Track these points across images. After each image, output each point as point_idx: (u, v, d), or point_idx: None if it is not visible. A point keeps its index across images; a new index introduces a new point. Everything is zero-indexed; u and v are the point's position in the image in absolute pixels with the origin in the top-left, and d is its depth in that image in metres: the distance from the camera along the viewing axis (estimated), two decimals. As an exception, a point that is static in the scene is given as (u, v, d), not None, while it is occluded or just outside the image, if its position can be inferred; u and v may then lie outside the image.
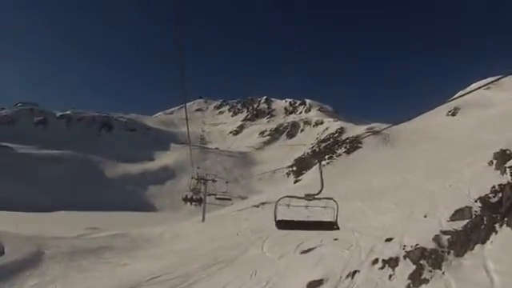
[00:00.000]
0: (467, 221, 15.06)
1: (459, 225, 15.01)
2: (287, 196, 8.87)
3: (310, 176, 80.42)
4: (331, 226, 9.63)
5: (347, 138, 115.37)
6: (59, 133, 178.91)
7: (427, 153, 55.15)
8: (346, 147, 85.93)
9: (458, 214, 16.21)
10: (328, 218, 9.48)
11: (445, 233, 14.77)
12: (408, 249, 14.81)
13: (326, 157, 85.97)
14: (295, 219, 9.68)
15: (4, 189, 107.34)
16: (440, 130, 77.51)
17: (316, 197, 8.65)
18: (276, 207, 9.04)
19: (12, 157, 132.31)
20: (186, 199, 59.94)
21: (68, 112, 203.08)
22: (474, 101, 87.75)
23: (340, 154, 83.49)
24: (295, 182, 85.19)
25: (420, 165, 43.73)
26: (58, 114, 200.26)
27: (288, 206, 9.02)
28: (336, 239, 20.86)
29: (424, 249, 14.06)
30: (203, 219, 56.79)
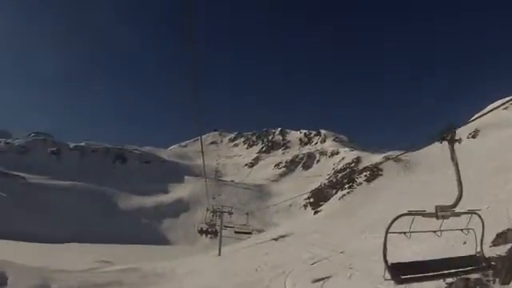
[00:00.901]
0: (511, 245, 13.58)
1: (502, 250, 13.51)
2: (408, 213, 5.61)
3: (332, 206, 78.45)
4: (477, 262, 6.10)
5: (365, 166, 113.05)
6: (72, 164, 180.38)
7: (452, 177, 53.35)
8: (366, 175, 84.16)
9: (500, 238, 14.71)
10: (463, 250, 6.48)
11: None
12: (449, 280, 13.14)
13: (346, 186, 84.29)
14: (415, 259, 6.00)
15: (15, 218, 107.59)
16: (462, 153, 75.47)
17: (455, 211, 5.88)
18: (386, 240, 5.56)
19: (24, 186, 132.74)
20: (201, 231, 57.86)
21: (82, 144, 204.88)
22: (493, 122, 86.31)
23: (360, 183, 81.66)
24: (315, 212, 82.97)
25: (448, 189, 41.78)
26: (72, 145, 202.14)
27: (407, 234, 6.03)
28: (369, 273, 19.09)
29: (467, 279, 12.44)
30: (219, 253, 54.68)
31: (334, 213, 66.92)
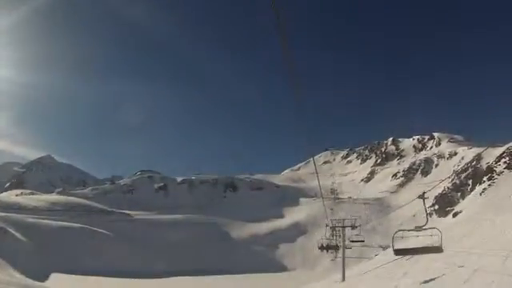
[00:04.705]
0: None
1: None
2: None
3: (473, 204, 71.02)
4: None
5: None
6: (181, 198, 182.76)
7: None
8: (505, 162, 76.08)
9: None
10: None
11: None
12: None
13: (485, 178, 76.46)
14: None
15: (117, 255, 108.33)
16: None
17: None
18: None
19: (128, 223, 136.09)
20: (321, 247, 52.95)
21: (190, 177, 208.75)
22: None
23: (501, 172, 73.76)
24: (454, 215, 75.46)
25: None
26: (180, 179, 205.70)
27: None
28: None
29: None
30: (343, 278, 47.50)
31: (478, 212, 59.65)
